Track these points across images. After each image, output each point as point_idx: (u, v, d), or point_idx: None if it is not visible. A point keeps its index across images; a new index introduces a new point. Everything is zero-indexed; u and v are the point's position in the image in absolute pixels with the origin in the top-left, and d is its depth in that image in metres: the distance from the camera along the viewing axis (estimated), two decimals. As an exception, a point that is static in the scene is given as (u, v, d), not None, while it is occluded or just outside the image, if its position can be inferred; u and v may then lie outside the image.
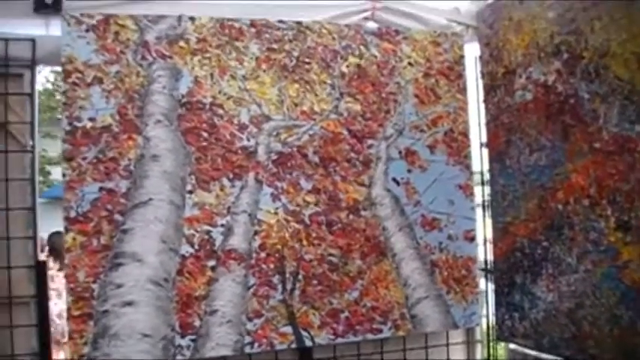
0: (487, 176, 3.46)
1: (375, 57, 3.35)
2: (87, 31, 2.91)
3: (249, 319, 3.02)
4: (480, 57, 3.41)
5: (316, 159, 3.20)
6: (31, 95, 3.02)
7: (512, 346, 3.34)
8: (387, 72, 3.37)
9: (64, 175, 2.87)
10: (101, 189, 2.87)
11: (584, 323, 2.71)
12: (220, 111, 3.08)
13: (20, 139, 2.98)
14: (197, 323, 2.93)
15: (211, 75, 3.08)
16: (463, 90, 3.52)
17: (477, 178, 3.60)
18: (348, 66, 3.30)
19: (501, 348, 3.72)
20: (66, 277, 2.83)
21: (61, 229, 2.92)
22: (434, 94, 3.44)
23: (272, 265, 3.09)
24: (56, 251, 5.49)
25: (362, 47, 3.33)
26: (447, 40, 3.50)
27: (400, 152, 3.35)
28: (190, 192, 3.00)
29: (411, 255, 3.32)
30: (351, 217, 3.23)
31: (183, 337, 2.91)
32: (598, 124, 2.61)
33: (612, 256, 2.57)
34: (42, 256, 3.16)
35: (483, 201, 3.55)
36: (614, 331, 2.56)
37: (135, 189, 2.92)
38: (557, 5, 2.83)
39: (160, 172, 2.96)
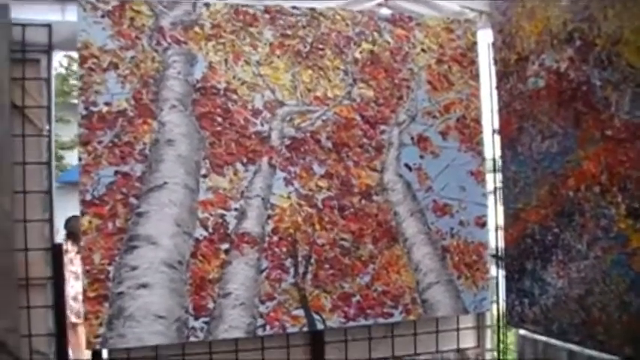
0: (499, 163, 3.46)
1: (388, 43, 3.37)
2: (102, 16, 2.95)
3: (262, 302, 3.06)
4: (493, 44, 3.41)
5: (329, 144, 3.23)
6: (47, 80, 3.05)
7: (522, 331, 3.35)
8: (400, 58, 3.38)
9: (80, 159, 2.90)
10: (116, 173, 2.91)
11: (594, 309, 2.72)
12: (234, 96, 3.10)
13: (37, 123, 3.02)
14: (210, 305, 2.98)
15: (225, 60, 3.11)
16: (476, 76, 3.53)
17: (489, 164, 3.61)
18: (361, 52, 3.32)
19: (511, 334, 3.74)
20: (82, 259, 2.88)
21: (77, 213, 2.96)
22: (446, 80, 3.46)
23: (284, 249, 3.12)
24: (74, 235, 5.56)
25: (375, 33, 3.35)
26: (459, 26, 3.51)
27: (412, 138, 3.37)
28: (204, 176, 3.03)
29: (422, 240, 3.34)
30: (363, 202, 3.26)
31: (196, 318, 2.95)
32: (610, 112, 2.61)
33: (622, 243, 2.58)
34: (59, 239, 3.19)
35: (495, 187, 3.57)
36: (623, 318, 2.58)
37: (150, 173, 2.95)
38: (570, -8, 2.83)
39: (175, 157, 3.00)
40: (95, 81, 2.92)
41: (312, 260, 3.16)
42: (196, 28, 3.08)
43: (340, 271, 3.19)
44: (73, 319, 5.75)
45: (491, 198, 3.60)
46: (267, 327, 3.07)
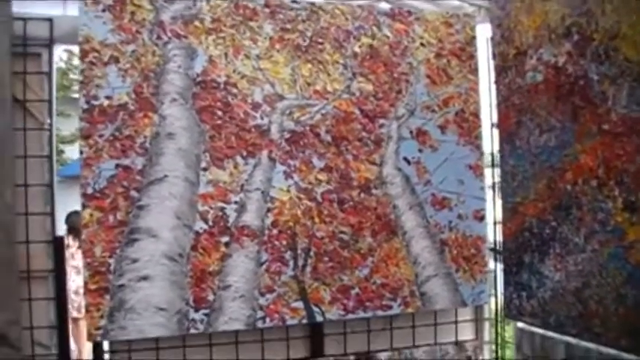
0: (497, 157, 3.48)
1: (388, 37, 3.38)
2: (103, 11, 2.95)
3: (262, 295, 3.08)
4: (492, 38, 3.41)
5: (328, 138, 3.25)
6: (48, 74, 3.06)
7: (519, 324, 3.37)
8: (399, 52, 3.40)
9: (81, 153, 2.92)
10: (117, 166, 2.93)
11: (591, 302, 2.74)
12: (234, 90, 3.12)
13: (38, 116, 3.03)
14: (211, 298, 3.00)
15: (225, 54, 3.13)
16: (474, 71, 3.55)
17: (487, 158, 3.63)
18: (360, 46, 3.33)
19: (510, 327, 3.76)
20: (83, 252, 2.90)
21: (78, 208, 2.98)
22: (445, 74, 3.47)
23: (284, 242, 3.14)
24: (75, 230, 5.60)
25: (374, 28, 3.36)
26: (459, 20, 3.52)
27: (411, 132, 3.39)
28: (205, 169, 3.05)
29: (421, 233, 3.37)
30: (362, 195, 3.28)
31: (197, 311, 2.97)
32: (607, 106, 2.62)
33: (619, 237, 2.59)
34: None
35: (493, 181, 3.59)
36: (619, 311, 2.59)
37: (150, 166, 2.97)
38: (568, -13, 2.84)
39: (175, 150, 3.01)
40: (96, 75, 2.93)
41: (312, 253, 3.18)
42: (196, 23, 3.10)
43: (339, 264, 3.21)
44: (74, 313, 5.80)
45: (490, 192, 3.62)
46: (267, 319, 3.09)
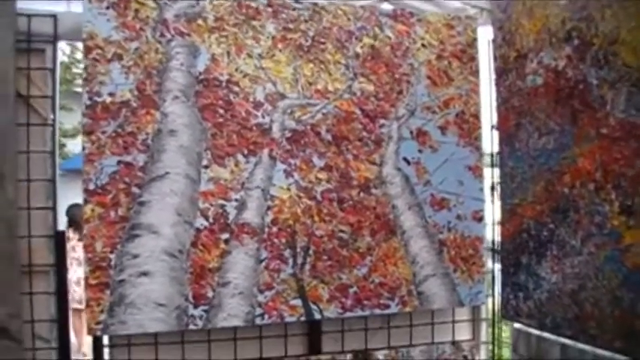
0: (497, 158, 3.50)
1: (389, 38, 3.40)
2: (107, 8, 2.98)
3: (261, 292, 3.11)
4: (493, 40, 3.43)
5: (329, 137, 3.27)
6: (52, 70, 3.09)
7: (516, 325, 3.40)
8: (401, 53, 3.42)
9: (83, 149, 2.94)
10: (119, 162, 2.95)
11: (586, 304, 2.76)
12: (236, 88, 3.14)
13: (41, 112, 3.05)
14: (210, 294, 3.02)
15: (228, 53, 3.15)
16: (475, 72, 3.57)
17: (487, 160, 3.66)
18: (362, 47, 3.35)
19: (507, 327, 3.78)
20: (84, 247, 2.92)
21: (78, 201, 3.00)
22: (446, 76, 3.49)
23: (284, 240, 3.17)
24: (75, 223, 5.64)
25: (376, 29, 3.38)
26: (460, 22, 3.54)
27: (411, 132, 3.41)
28: (206, 167, 3.07)
29: (419, 233, 3.39)
30: (361, 194, 3.30)
31: (196, 307, 3.00)
32: (605, 110, 2.64)
33: (615, 240, 2.61)
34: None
35: (492, 182, 3.61)
36: (614, 313, 2.61)
37: (152, 163, 2.99)
38: (569, -9, 2.86)
39: (177, 147, 3.03)
40: (99, 71, 2.96)
41: (311, 251, 3.20)
42: (199, 21, 3.12)
43: (338, 263, 3.24)
44: (75, 304, 5.84)
45: (489, 192, 3.64)
46: (266, 316, 3.11)
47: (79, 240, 5.43)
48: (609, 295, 2.64)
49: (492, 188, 3.60)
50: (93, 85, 2.94)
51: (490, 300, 3.71)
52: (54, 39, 3.07)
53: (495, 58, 3.41)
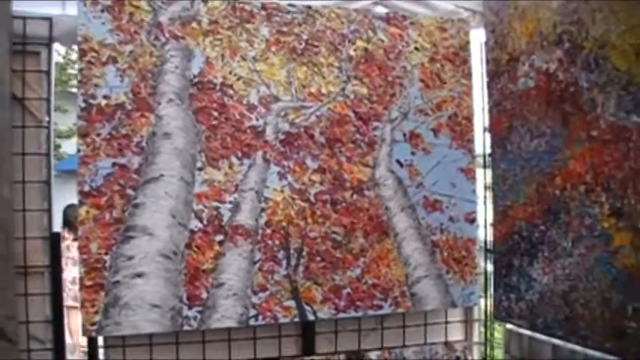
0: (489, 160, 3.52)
1: (383, 41, 3.42)
2: (102, 11, 2.99)
3: (255, 293, 3.13)
4: (486, 43, 3.44)
5: (322, 139, 3.29)
6: (47, 72, 3.10)
7: (509, 326, 3.42)
8: (394, 56, 3.44)
9: (78, 151, 2.95)
10: (114, 164, 2.97)
11: (577, 305, 2.78)
12: (230, 91, 3.16)
13: (37, 114, 3.07)
14: (204, 295, 3.04)
15: (222, 56, 3.16)
16: (468, 75, 3.59)
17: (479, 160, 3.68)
18: (355, 50, 3.37)
19: (499, 328, 3.81)
20: (79, 248, 2.94)
21: (74, 201, 3.02)
22: (439, 78, 3.51)
23: (277, 242, 3.18)
24: (70, 223, 5.64)
25: (370, 31, 3.40)
26: (453, 25, 3.56)
27: (404, 135, 3.43)
28: (200, 169, 3.09)
29: (412, 235, 3.41)
30: (355, 196, 3.32)
31: (190, 308, 3.01)
32: (596, 113, 2.66)
33: (605, 242, 2.63)
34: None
35: (485, 184, 3.63)
36: (604, 314, 2.63)
37: (147, 165, 3.01)
38: (560, -5, 2.89)
39: (171, 149, 3.05)
40: (94, 74, 2.97)
41: (304, 253, 3.22)
42: (194, 24, 3.13)
43: (331, 264, 3.26)
44: (70, 302, 5.84)
45: (482, 193, 3.67)
46: (260, 317, 3.13)
47: (74, 240, 5.44)
48: (599, 296, 2.66)
49: (486, 189, 3.62)
50: (88, 88, 2.96)
51: (483, 301, 3.73)
52: (49, 41, 3.09)
53: (488, 61, 3.42)
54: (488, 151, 3.54)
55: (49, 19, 3.06)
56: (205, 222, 3.08)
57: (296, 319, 3.22)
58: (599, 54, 2.65)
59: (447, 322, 3.63)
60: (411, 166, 3.43)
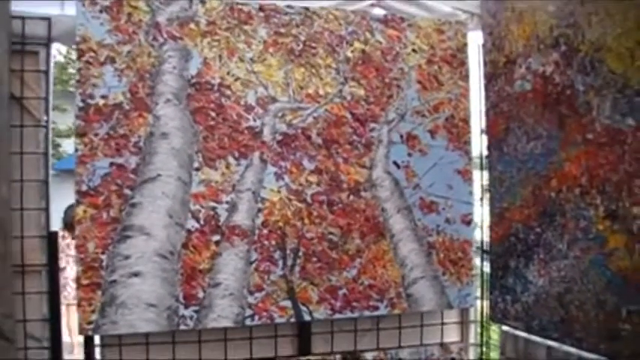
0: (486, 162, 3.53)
1: (380, 43, 3.43)
2: (101, 11, 3.00)
3: (251, 293, 3.14)
4: (483, 45, 3.45)
5: (319, 140, 3.30)
6: (46, 72, 3.11)
7: (505, 327, 3.42)
8: (391, 58, 3.45)
9: (76, 150, 2.97)
10: (112, 164, 2.98)
11: (572, 307, 2.79)
12: (228, 92, 3.17)
13: (35, 114, 3.08)
14: (200, 295, 3.05)
15: (220, 57, 3.18)
16: (465, 77, 3.59)
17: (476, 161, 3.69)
18: (353, 51, 3.38)
19: (495, 329, 3.81)
20: (76, 247, 2.95)
21: (72, 201, 3.03)
22: (436, 80, 3.52)
23: (274, 242, 3.20)
24: (71, 224, 5.65)
25: (367, 33, 3.41)
26: (450, 28, 3.57)
27: (401, 136, 3.44)
28: (197, 169, 3.10)
29: (408, 236, 3.41)
30: (351, 197, 3.33)
31: (186, 307, 3.03)
32: (591, 116, 2.68)
33: (600, 244, 2.64)
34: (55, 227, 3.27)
35: (482, 186, 3.64)
36: (599, 316, 2.64)
37: (144, 165, 3.02)
38: (557, -2, 2.90)
39: (169, 150, 3.06)
40: (92, 74, 2.99)
41: (301, 253, 3.23)
42: (192, 25, 3.15)
43: (327, 265, 3.27)
44: (72, 300, 5.85)
45: (479, 194, 3.68)
46: (256, 317, 3.14)
47: (73, 239, 5.45)
48: (594, 298, 2.68)
49: (483, 190, 3.63)
50: (86, 88, 2.97)
51: (480, 302, 3.74)
52: (47, 41, 3.10)
53: (485, 63, 3.43)
54: (485, 152, 3.55)
55: (47, 19, 3.07)
56: (202, 222, 3.09)
57: (292, 320, 3.23)
58: (595, 57, 2.67)
59: (442, 324, 3.64)
60: (407, 167, 3.44)
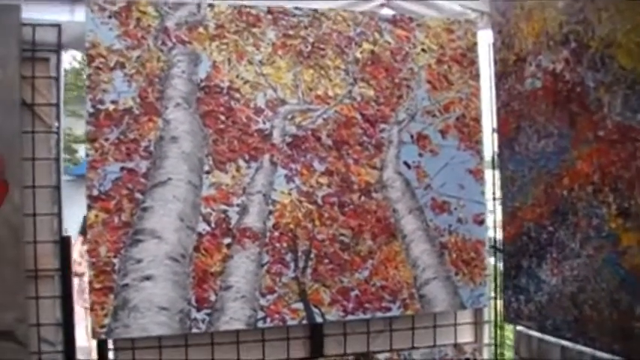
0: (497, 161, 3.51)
1: (389, 43, 3.42)
2: (110, 17, 3.03)
3: (263, 295, 3.14)
4: (493, 44, 3.44)
5: (329, 142, 3.29)
6: (56, 79, 3.14)
7: (519, 327, 3.40)
8: (401, 58, 3.44)
9: (87, 155, 2.99)
10: (122, 169, 3.00)
11: (585, 307, 2.77)
12: (237, 95, 3.18)
13: (46, 120, 3.11)
14: (212, 298, 3.06)
15: (229, 60, 3.18)
16: (476, 76, 3.58)
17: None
18: (362, 52, 3.38)
19: (510, 330, 3.79)
20: (88, 252, 2.97)
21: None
22: (446, 80, 3.51)
23: (285, 244, 3.19)
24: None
25: (376, 34, 3.40)
26: (460, 27, 3.56)
27: (412, 136, 3.43)
28: (208, 172, 3.11)
29: (420, 237, 3.40)
30: (362, 198, 3.32)
31: (199, 310, 3.03)
32: (602, 113, 2.65)
33: (613, 242, 2.62)
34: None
35: (494, 185, 3.62)
36: (613, 315, 2.62)
37: (154, 169, 3.04)
38: (566, -5, 2.88)
39: (179, 153, 3.08)
40: (102, 80, 3.01)
41: (312, 255, 3.23)
42: (200, 29, 3.16)
43: (339, 266, 3.26)
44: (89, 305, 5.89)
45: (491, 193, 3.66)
46: (268, 319, 3.14)
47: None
48: (608, 297, 2.65)
49: (493, 187, 3.61)
50: (96, 93, 2.99)
51: (495, 302, 3.72)
52: (58, 48, 3.13)
53: (495, 62, 3.42)
54: (496, 152, 3.53)
55: (57, 26, 3.10)
56: (213, 225, 3.10)
57: (304, 322, 3.23)
58: (606, 53, 2.65)
59: (456, 324, 3.62)
60: (418, 167, 3.43)
